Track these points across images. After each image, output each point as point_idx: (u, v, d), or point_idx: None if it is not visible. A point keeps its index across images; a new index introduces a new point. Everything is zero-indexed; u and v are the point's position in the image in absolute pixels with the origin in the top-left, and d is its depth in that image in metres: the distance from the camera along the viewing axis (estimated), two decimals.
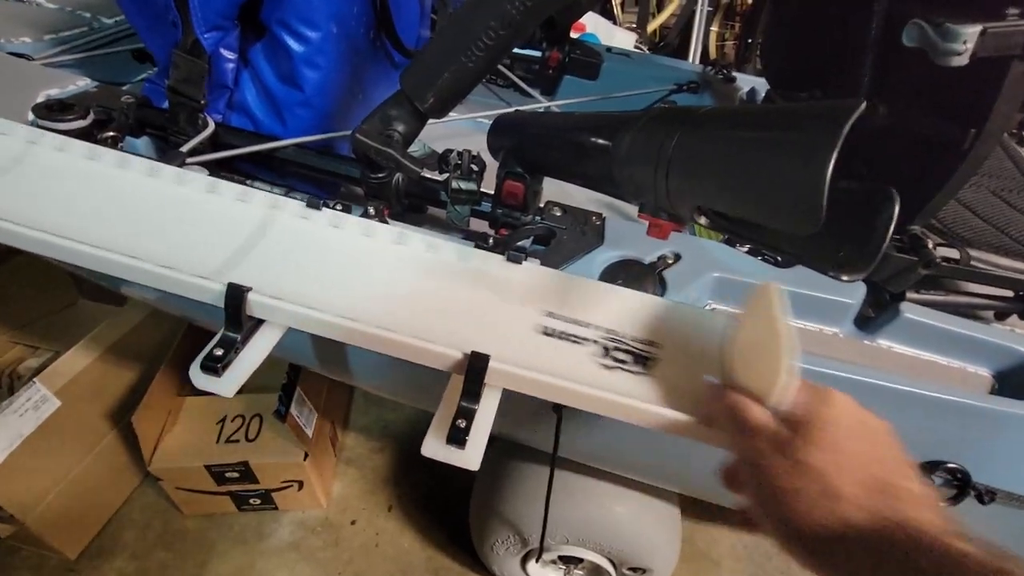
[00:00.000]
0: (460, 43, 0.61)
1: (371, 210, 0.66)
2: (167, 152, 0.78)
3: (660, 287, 0.72)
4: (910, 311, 0.75)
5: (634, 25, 3.31)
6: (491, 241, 0.65)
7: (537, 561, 1.08)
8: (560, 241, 0.74)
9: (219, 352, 0.48)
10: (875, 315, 0.79)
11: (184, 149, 0.79)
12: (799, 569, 1.08)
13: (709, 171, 0.40)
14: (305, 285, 0.54)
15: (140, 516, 1.36)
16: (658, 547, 1.02)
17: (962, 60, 0.65)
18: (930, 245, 0.80)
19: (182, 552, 1.30)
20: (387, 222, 0.69)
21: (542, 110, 1.31)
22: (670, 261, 0.75)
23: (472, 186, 0.76)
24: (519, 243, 0.75)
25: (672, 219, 0.49)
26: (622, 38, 2.93)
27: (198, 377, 0.48)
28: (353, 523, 1.37)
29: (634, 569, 1.05)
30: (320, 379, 1.36)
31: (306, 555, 1.31)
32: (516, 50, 1.44)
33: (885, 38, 0.82)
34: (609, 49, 1.52)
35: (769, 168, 0.35)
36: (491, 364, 0.48)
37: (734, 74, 1.47)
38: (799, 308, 0.74)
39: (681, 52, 3.32)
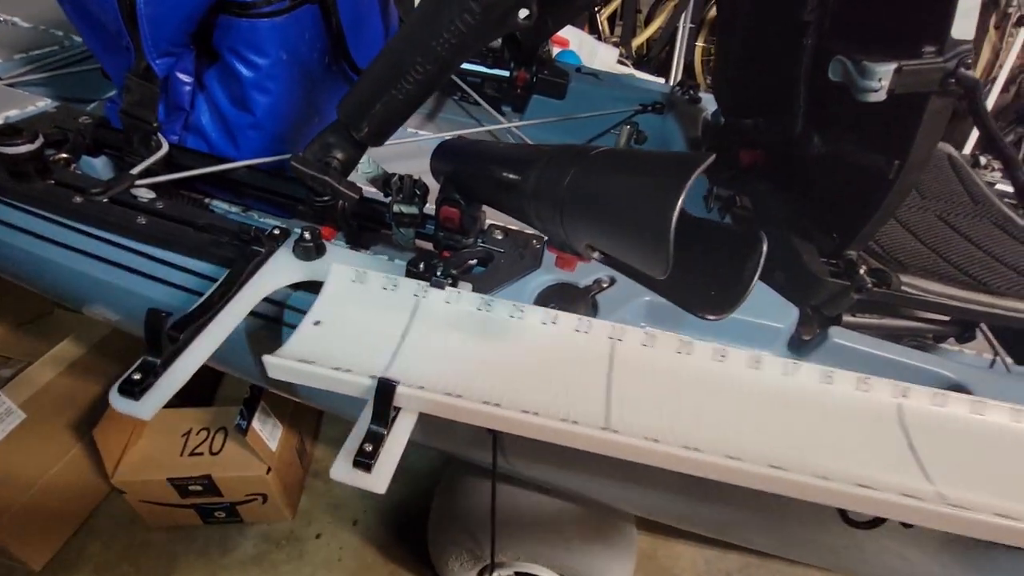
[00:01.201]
0: (391, 76, 0.64)
1: (307, 235, 0.67)
2: (118, 175, 0.80)
3: (593, 310, 0.74)
4: (839, 336, 0.77)
5: (618, 40, 3.36)
6: (421, 266, 0.67)
7: None
8: (497, 265, 0.76)
9: None
10: (808, 339, 0.81)
11: (135, 171, 0.81)
12: None
13: (592, 212, 0.42)
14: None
15: (106, 528, 1.37)
16: (609, 564, 1.03)
17: (879, 96, 0.68)
18: (862, 271, 0.82)
19: (145, 565, 1.30)
20: (323, 246, 0.71)
21: (500, 132, 1.33)
22: (604, 285, 0.77)
23: (414, 210, 0.78)
24: (463, 265, 0.77)
25: (575, 253, 0.51)
26: (605, 54, 2.97)
27: None
28: (318, 537, 1.38)
29: None
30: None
31: (268, 569, 1.31)
32: (485, 69, 1.47)
33: (815, 73, 0.84)
34: (579, 69, 1.55)
35: (628, 212, 0.37)
36: (400, 389, 0.50)
37: (700, 95, 1.50)
38: (730, 332, 0.76)
39: (667, 67, 3.37)
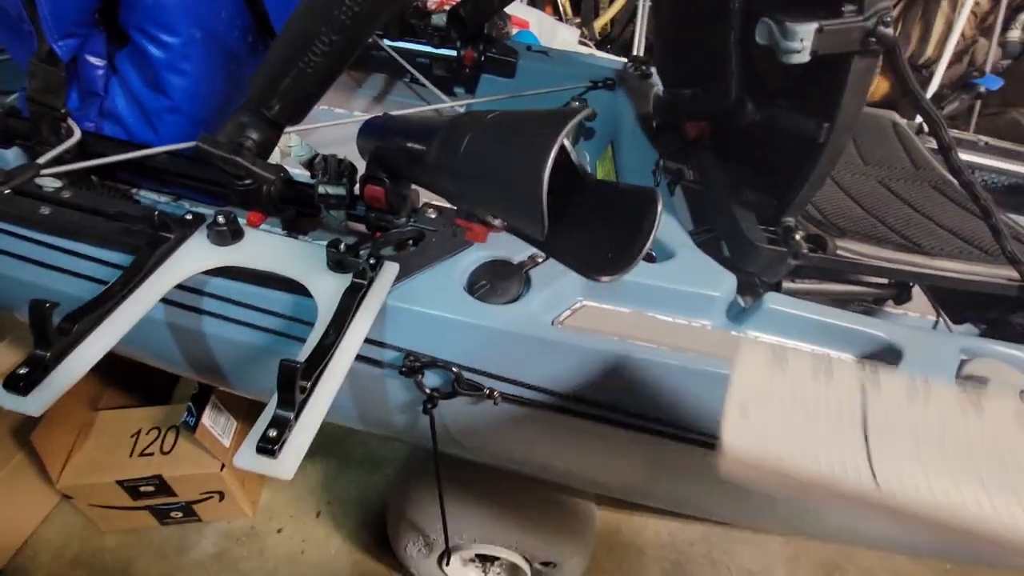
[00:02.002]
0: (297, 48, 0.61)
1: (220, 218, 0.65)
2: (23, 164, 0.76)
3: (526, 286, 0.73)
4: (774, 302, 0.78)
5: (579, 21, 3.32)
6: (342, 247, 0.65)
7: (447, 562, 1.08)
8: (428, 244, 0.74)
9: None
10: (745, 307, 0.81)
11: (42, 160, 0.76)
12: (721, 553, 1.11)
13: (484, 178, 0.40)
14: None
15: (57, 536, 1.32)
16: (566, 541, 1.03)
17: (802, 57, 0.67)
18: (798, 237, 0.82)
19: (100, 571, 1.27)
20: (240, 230, 0.68)
21: (449, 112, 1.30)
22: (539, 260, 0.75)
23: (340, 191, 0.75)
24: (395, 245, 0.75)
25: (481, 223, 0.50)
26: (565, 34, 2.93)
27: None
28: (280, 531, 1.36)
29: (546, 563, 1.07)
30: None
31: (228, 566, 1.29)
32: (432, 49, 1.44)
33: (745, 37, 0.83)
34: (529, 47, 1.52)
35: (508, 173, 0.36)
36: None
37: (651, 70, 1.49)
38: (668, 303, 0.76)
39: (630, 48, 3.35)
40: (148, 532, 1.34)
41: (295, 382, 0.47)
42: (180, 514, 1.32)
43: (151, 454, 1.23)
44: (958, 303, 0.95)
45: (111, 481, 1.20)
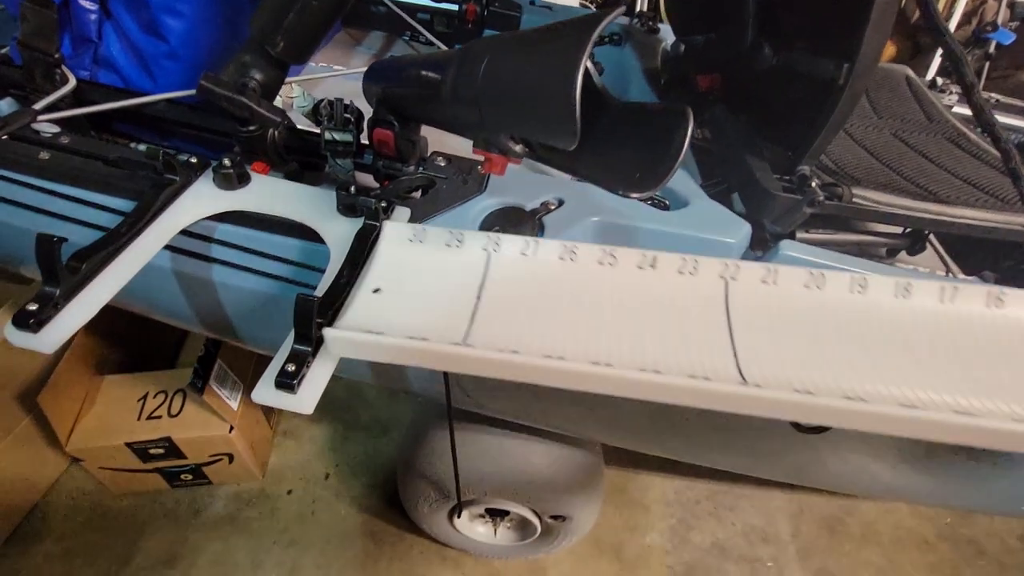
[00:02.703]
0: None
1: (226, 160, 0.63)
2: (18, 110, 0.73)
3: (539, 233, 0.71)
4: (789, 248, 0.77)
5: None
6: (352, 189, 0.63)
7: (459, 516, 1.10)
8: (438, 191, 0.72)
9: None
10: (760, 255, 0.80)
11: (38, 106, 0.74)
12: (726, 509, 1.12)
13: (507, 95, 0.39)
14: None
15: (68, 499, 1.33)
16: (576, 495, 1.04)
17: None
18: (814, 184, 0.81)
19: (111, 532, 1.28)
20: (247, 174, 0.66)
21: None
22: (552, 206, 0.74)
23: (347, 137, 0.73)
24: (403, 193, 0.73)
25: (502, 152, 0.48)
26: None
27: None
28: (289, 493, 1.37)
29: (556, 517, 1.08)
30: (248, 352, 1.33)
31: (240, 527, 1.30)
32: (433, 3, 1.39)
33: None
34: (532, 2, 1.47)
35: (537, 84, 0.34)
36: (330, 333, 0.47)
37: (658, 26, 1.45)
38: (682, 250, 0.74)
39: (632, 9, 3.26)
40: (159, 495, 1.35)
41: (312, 317, 0.46)
42: (190, 476, 1.33)
43: (159, 417, 1.23)
44: (971, 254, 0.94)
45: (120, 444, 1.20)
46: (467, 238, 0.56)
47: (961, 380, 0.47)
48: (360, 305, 0.50)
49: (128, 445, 1.21)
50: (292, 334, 0.48)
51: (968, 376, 0.47)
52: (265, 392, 0.46)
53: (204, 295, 0.70)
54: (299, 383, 0.46)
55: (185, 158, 0.64)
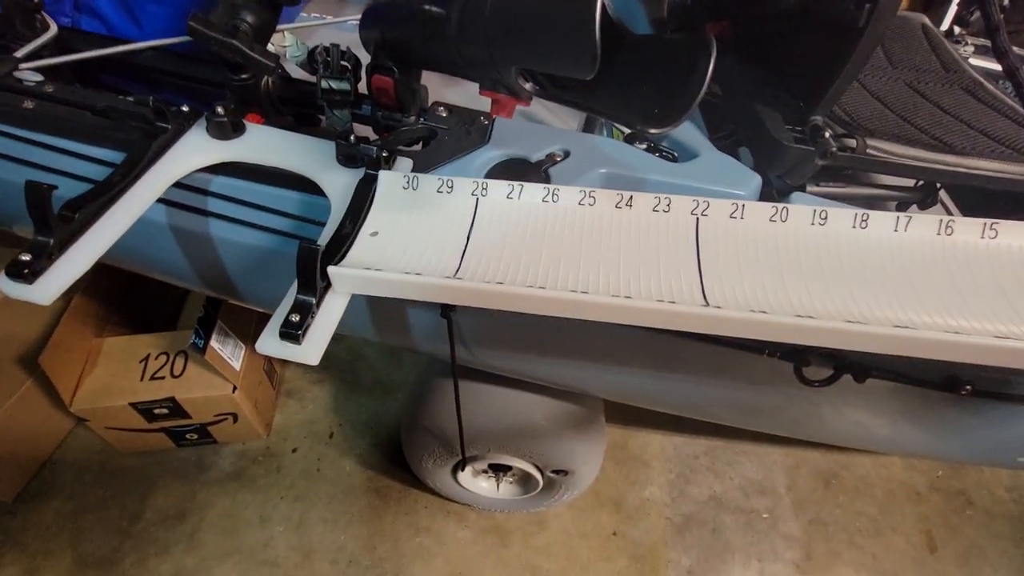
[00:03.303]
0: None
1: (219, 108, 0.60)
2: (1, 56, 0.70)
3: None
4: (801, 201, 0.75)
5: None
6: (352, 138, 0.60)
7: (462, 471, 1.12)
8: (440, 142, 0.70)
9: None
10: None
11: (20, 54, 0.70)
12: (724, 464, 1.14)
13: (518, 25, 0.36)
14: None
15: (76, 458, 1.35)
16: (577, 450, 1.06)
17: None
18: (827, 135, 0.78)
19: (121, 489, 1.31)
20: (241, 124, 0.64)
21: None
22: (558, 158, 0.72)
23: (345, 86, 0.70)
24: (404, 144, 0.70)
25: (510, 93, 0.46)
26: None
27: None
28: (294, 451, 1.39)
29: (558, 471, 1.10)
30: (248, 312, 1.32)
31: (247, 483, 1.33)
32: None
33: None
34: None
35: (552, 8, 0.32)
36: (335, 271, 0.46)
37: None
38: None
39: None
40: (166, 454, 1.36)
41: (316, 266, 0.45)
42: (195, 436, 1.35)
43: (162, 378, 1.24)
44: (982, 208, 0.93)
45: (124, 404, 1.21)
46: (457, 184, 0.58)
47: (910, 299, 0.51)
48: (360, 246, 0.52)
49: (132, 405, 1.21)
50: (295, 284, 0.47)
51: (920, 294, 0.52)
52: (269, 343, 0.45)
53: (201, 251, 0.68)
54: (304, 334, 0.46)
55: (176, 107, 0.61)
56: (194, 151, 0.59)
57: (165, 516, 1.27)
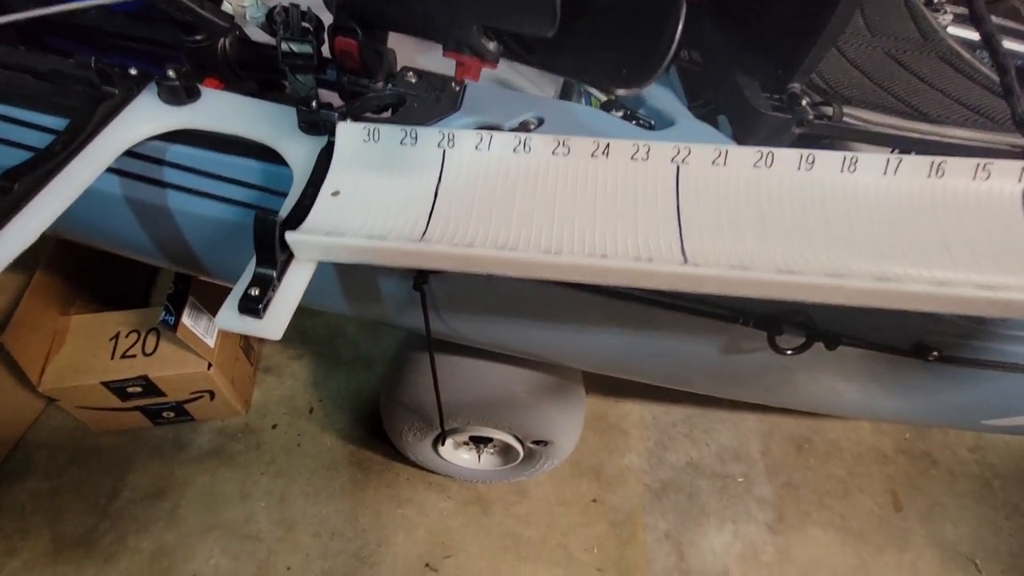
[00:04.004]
0: None
1: (170, 72, 0.57)
2: None
3: None
4: None
5: None
6: (314, 105, 0.58)
7: (443, 443, 1.12)
8: (409, 109, 0.67)
9: None
10: None
11: None
12: (701, 432, 1.15)
13: None
14: None
15: (49, 438, 1.33)
16: (557, 420, 1.07)
17: None
18: (804, 103, 0.78)
19: (97, 468, 1.29)
20: (196, 88, 0.60)
21: None
22: (532, 126, 0.70)
23: (306, 48, 0.67)
24: (371, 111, 0.68)
25: (474, 53, 0.44)
26: None
27: None
28: (274, 427, 1.38)
29: (538, 442, 1.11)
30: (221, 288, 1.29)
31: (227, 460, 1.32)
32: None
33: None
34: None
35: None
36: (293, 237, 0.44)
37: None
38: None
39: None
40: (142, 432, 1.35)
41: (274, 237, 0.43)
42: (172, 414, 1.33)
43: (133, 356, 1.21)
44: None
45: (95, 383, 1.18)
46: (421, 135, 0.55)
47: (894, 250, 0.50)
48: (320, 209, 0.49)
49: (104, 384, 1.19)
50: (255, 258, 0.45)
51: (905, 245, 0.50)
52: (229, 318, 0.44)
53: (161, 224, 0.65)
54: (265, 307, 0.44)
55: (123, 70, 0.58)
56: (144, 118, 0.56)
57: (143, 494, 1.26)
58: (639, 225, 0.50)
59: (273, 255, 0.44)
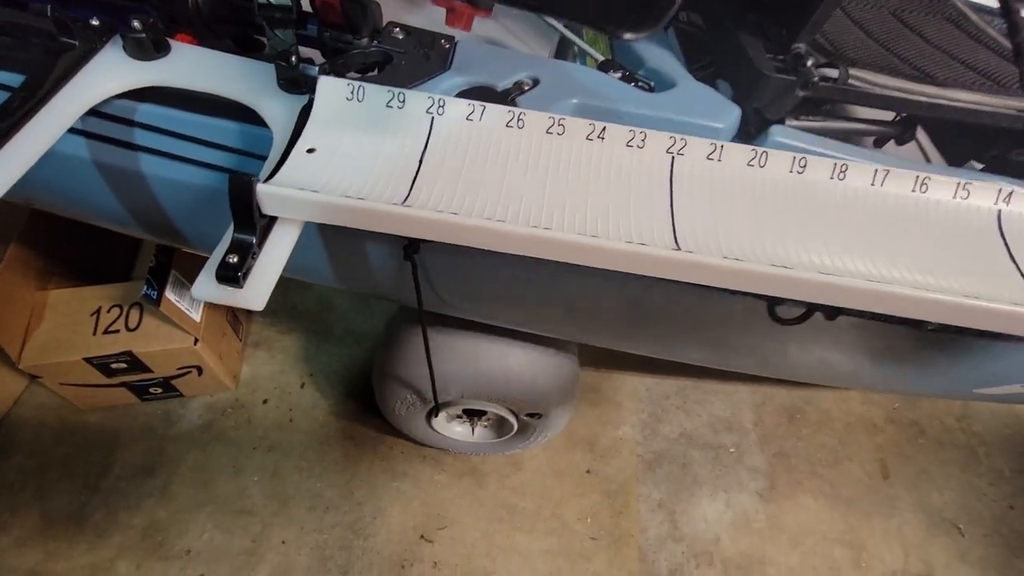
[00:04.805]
0: None
1: (136, 23, 0.52)
2: None
3: None
4: (780, 135, 0.72)
5: None
6: (293, 60, 0.54)
7: (436, 417, 1.11)
8: (396, 68, 0.63)
9: None
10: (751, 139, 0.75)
11: None
12: (694, 403, 1.15)
13: None
14: None
15: (34, 415, 1.30)
16: (552, 393, 1.06)
17: None
18: (809, 64, 0.74)
19: (84, 445, 1.27)
20: (164, 42, 0.56)
21: None
22: (526, 87, 0.67)
23: (284, 0, 0.63)
24: (356, 69, 0.64)
25: (467, 1, 0.40)
26: None
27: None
28: (265, 402, 1.37)
29: (532, 415, 1.10)
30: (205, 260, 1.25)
31: (218, 435, 1.31)
32: None
33: None
34: None
35: None
36: (263, 189, 0.41)
37: None
38: (666, 132, 0.69)
39: None
40: (130, 408, 1.32)
41: (252, 198, 0.40)
42: (160, 390, 1.30)
43: (116, 331, 1.18)
44: (959, 144, 0.91)
45: (78, 359, 1.15)
46: (409, 98, 0.53)
47: (880, 253, 0.52)
48: (294, 165, 0.47)
49: (87, 360, 1.16)
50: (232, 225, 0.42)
51: (893, 251, 0.52)
52: (206, 287, 0.41)
53: (133, 190, 0.62)
54: (245, 276, 0.41)
55: (84, 21, 0.53)
56: (109, 73, 0.52)
57: (134, 471, 1.25)
58: (632, 211, 0.50)
59: (251, 219, 0.41)
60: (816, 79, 0.74)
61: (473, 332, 0.97)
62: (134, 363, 1.19)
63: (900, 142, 0.90)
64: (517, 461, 1.33)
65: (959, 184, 0.58)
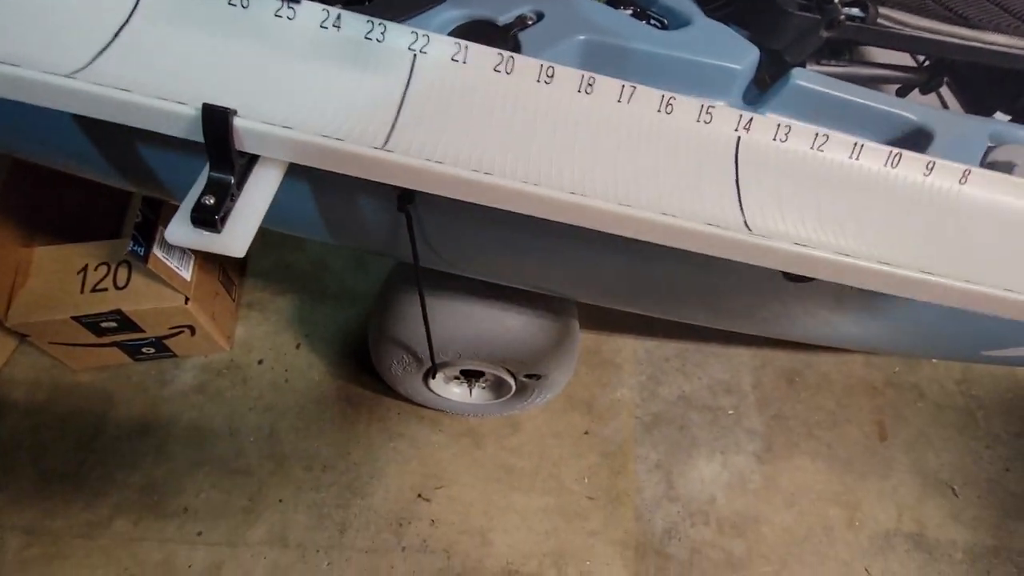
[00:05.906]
0: None
1: None
2: None
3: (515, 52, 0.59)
4: (802, 78, 0.67)
5: None
6: None
7: (434, 378, 1.09)
8: None
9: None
10: (759, 94, 0.70)
11: None
12: (694, 366, 1.13)
13: None
14: None
15: (25, 376, 1.28)
16: (551, 354, 1.04)
17: None
18: (836, 1, 0.69)
19: (78, 405, 1.26)
20: None
21: None
22: (529, 21, 0.61)
23: None
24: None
25: None
26: None
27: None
28: (260, 363, 1.35)
29: (531, 376, 1.09)
30: None
31: (213, 396, 1.29)
32: None
33: None
34: None
35: None
36: (241, 123, 0.37)
37: None
38: (681, 76, 0.64)
39: None
40: (123, 368, 1.30)
41: (228, 131, 0.36)
42: (152, 350, 1.28)
43: (104, 289, 1.14)
44: (988, 93, 0.86)
45: (66, 318, 1.12)
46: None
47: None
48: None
49: (76, 319, 1.13)
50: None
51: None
52: (180, 230, 0.38)
53: (106, 130, 0.57)
54: (223, 219, 0.38)
55: None
56: None
57: (129, 431, 1.24)
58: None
59: (228, 155, 0.37)
60: (843, 17, 0.68)
61: (471, 291, 0.94)
62: (124, 322, 1.16)
63: (925, 91, 0.85)
64: (515, 422, 1.32)
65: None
